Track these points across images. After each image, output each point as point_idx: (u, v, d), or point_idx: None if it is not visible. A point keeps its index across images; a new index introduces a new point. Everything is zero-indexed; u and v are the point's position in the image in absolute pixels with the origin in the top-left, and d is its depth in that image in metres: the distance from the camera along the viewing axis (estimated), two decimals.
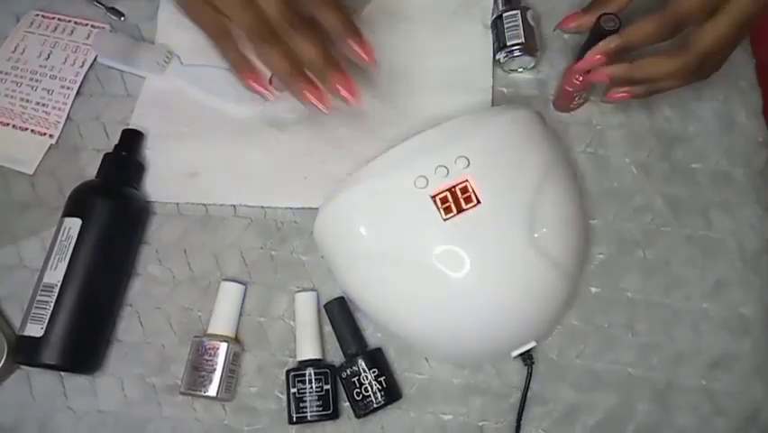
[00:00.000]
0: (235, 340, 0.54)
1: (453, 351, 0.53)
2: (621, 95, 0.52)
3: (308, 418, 0.51)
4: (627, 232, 0.57)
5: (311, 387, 0.52)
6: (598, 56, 0.51)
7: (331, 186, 0.53)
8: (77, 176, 0.59)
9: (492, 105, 0.60)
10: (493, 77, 0.61)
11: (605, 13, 0.53)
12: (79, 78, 0.63)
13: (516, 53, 0.59)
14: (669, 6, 0.47)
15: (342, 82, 0.49)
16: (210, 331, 0.54)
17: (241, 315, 0.55)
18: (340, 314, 0.54)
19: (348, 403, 0.52)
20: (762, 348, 0.53)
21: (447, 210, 0.48)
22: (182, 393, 0.52)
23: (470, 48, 0.62)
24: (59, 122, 0.61)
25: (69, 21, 0.65)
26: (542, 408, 0.53)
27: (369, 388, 0.51)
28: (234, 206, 0.59)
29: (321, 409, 0.51)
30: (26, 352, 0.51)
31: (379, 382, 0.51)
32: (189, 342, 0.53)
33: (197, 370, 0.52)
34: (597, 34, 0.53)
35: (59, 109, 0.62)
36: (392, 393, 0.52)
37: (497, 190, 0.49)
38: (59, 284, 0.52)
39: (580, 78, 0.54)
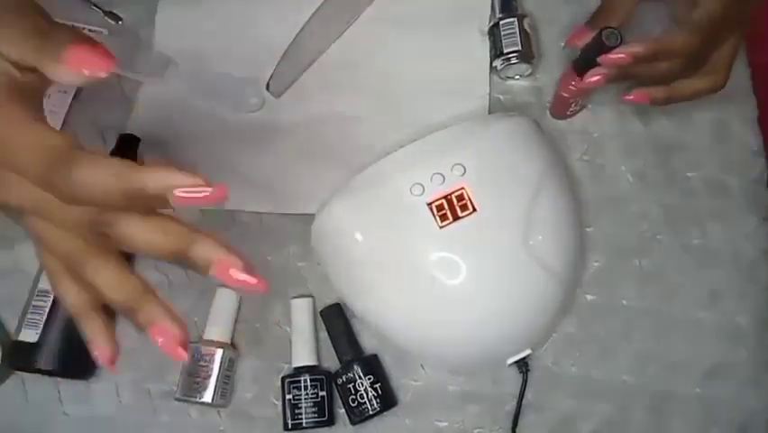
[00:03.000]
0: (231, 346, 0.54)
1: (449, 358, 0.53)
2: (640, 95, 0.52)
3: (304, 424, 0.51)
4: (623, 240, 0.57)
5: (306, 393, 0.52)
6: (623, 55, 0.49)
7: (327, 192, 0.53)
8: None
9: (489, 112, 0.60)
10: (490, 84, 0.61)
11: (606, 27, 0.50)
12: None
13: (513, 61, 0.59)
14: (696, 22, 0.48)
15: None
16: (206, 337, 0.54)
17: (236, 321, 0.55)
18: (336, 320, 0.54)
19: (343, 410, 0.52)
20: (757, 357, 0.53)
21: (443, 217, 0.48)
22: (177, 399, 0.52)
23: (467, 55, 0.62)
24: (55, 126, 0.61)
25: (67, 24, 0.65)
26: (537, 415, 0.53)
27: (364, 395, 0.51)
28: (231, 211, 0.59)
29: (316, 415, 0.51)
30: (21, 357, 0.51)
31: (375, 389, 0.51)
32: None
33: (193, 376, 0.52)
34: (596, 48, 0.52)
35: (56, 113, 0.61)
36: (388, 400, 0.52)
37: (493, 198, 0.49)
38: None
39: (575, 84, 0.54)
